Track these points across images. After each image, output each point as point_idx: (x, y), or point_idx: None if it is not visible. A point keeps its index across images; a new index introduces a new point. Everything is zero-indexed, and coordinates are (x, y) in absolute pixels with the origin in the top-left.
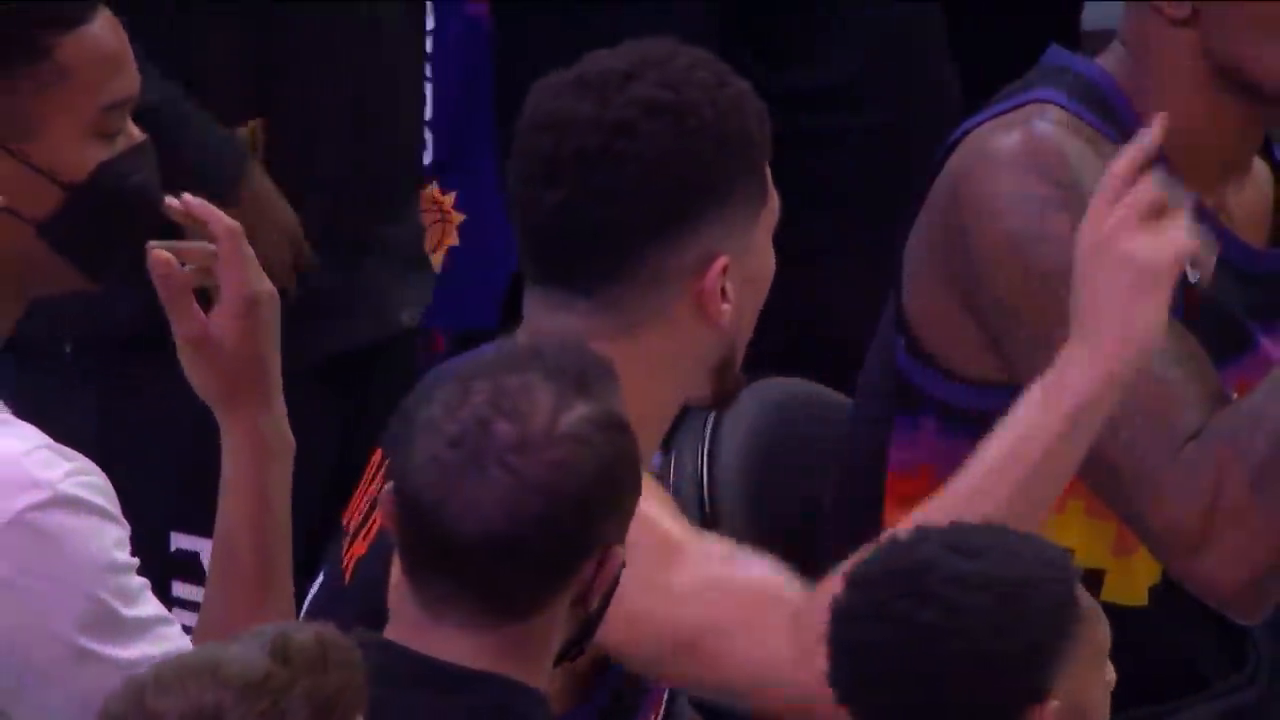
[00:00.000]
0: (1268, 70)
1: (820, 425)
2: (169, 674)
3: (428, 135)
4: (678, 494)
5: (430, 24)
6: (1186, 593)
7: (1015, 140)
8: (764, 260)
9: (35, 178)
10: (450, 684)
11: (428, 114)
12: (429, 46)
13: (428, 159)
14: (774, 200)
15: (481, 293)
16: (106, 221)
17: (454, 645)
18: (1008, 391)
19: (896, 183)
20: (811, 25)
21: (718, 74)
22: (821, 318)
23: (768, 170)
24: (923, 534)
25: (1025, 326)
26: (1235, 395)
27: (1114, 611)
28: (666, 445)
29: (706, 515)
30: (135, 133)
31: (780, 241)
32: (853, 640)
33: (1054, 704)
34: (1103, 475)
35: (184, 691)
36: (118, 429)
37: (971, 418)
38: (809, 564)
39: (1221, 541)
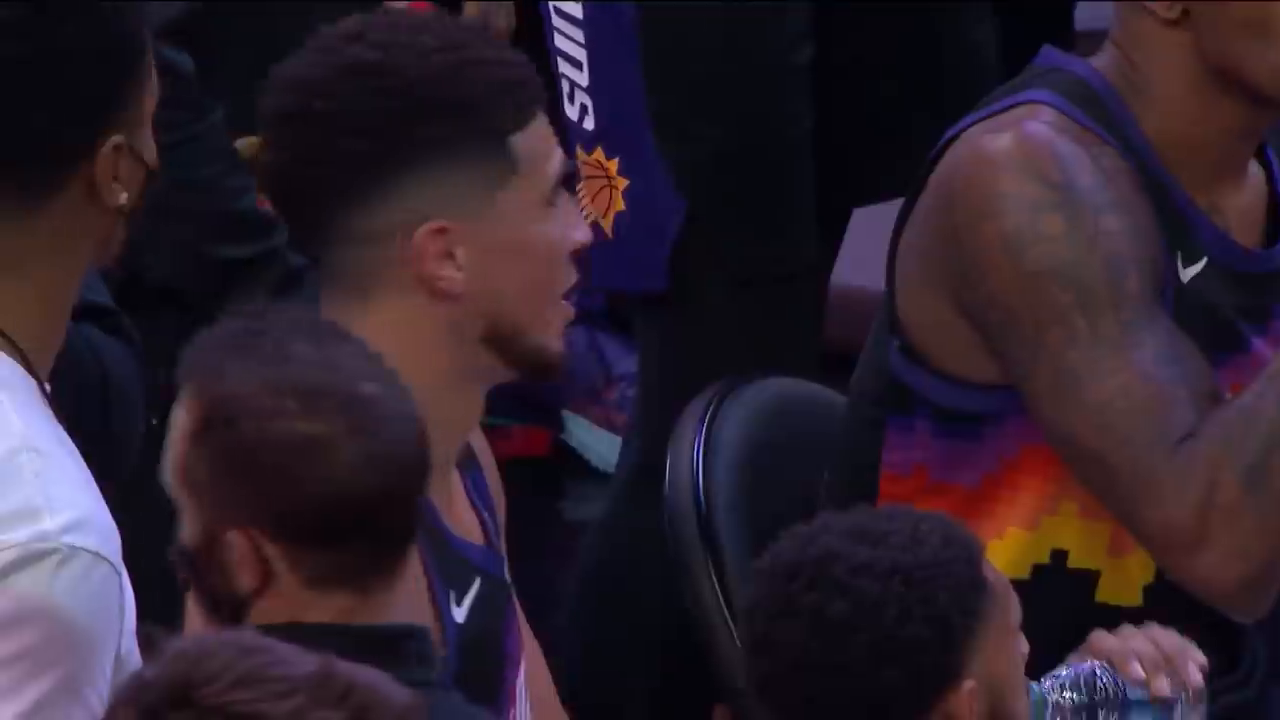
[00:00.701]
0: (1260, 70)
1: (817, 424)
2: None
3: (588, 101)
4: (674, 491)
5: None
6: (1181, 592)
7: (1007, 141)
8: (525, 231)
9: (140, 169)
10: None
11: (585, 80)
12: (580, 13)
13: (589, 125)
14: (548, 167)
15: (649, 257)
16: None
17: None
18: (1001, 393)
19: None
20: None
21: (449, 40)
22: None
23: (524, 140)
24: (824, 523)
25: (1019, 327)
26: (1228, 395)
27: (1109, 612)
28: (664, 442)
29: (702, 513)
30: None
31: None
32: (763, 635)
33: (969, 684)
34: (1098, 474)
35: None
36: None
37: (965, 418)
38: None
39: (1217, 540)
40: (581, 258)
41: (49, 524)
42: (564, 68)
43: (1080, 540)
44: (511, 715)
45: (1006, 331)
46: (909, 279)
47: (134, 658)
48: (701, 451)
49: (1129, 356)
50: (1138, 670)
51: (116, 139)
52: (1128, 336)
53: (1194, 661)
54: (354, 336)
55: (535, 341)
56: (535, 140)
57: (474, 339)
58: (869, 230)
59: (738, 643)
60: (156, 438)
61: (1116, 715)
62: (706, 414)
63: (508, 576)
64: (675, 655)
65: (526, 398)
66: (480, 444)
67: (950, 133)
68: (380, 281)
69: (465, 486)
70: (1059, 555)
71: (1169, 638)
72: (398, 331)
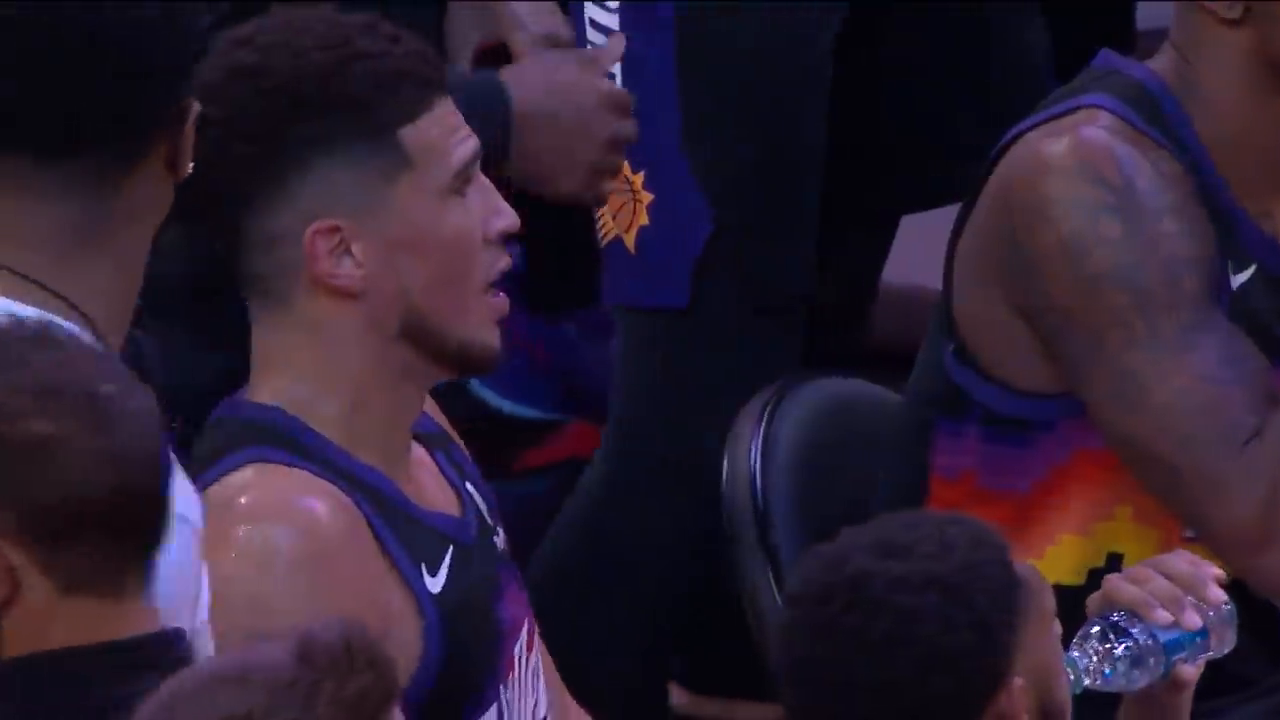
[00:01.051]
0: None
1: (874, 424)
2: (197, 685)
3: None
4: (731, 489)
5: (614, 3)
6: (1234, 592)
7: (1065, 146)
8: (424, 224)
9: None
10: None
11: None
12: (615, 24)
13: None
14: (449, 158)
15: (671, 271)
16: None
17: None
18: (1053, 400)
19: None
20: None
21: (331, 38)
22: None
23: (416, 132)
24: (848, 541)
25: (1078, 330)
26: None
27: None
28: (720, 440)
29: (759, 511)
30: None
31: None
32: (803, 659)
33: (1018, 682)
34: (1161, 476)
35: (213, 701)
36: None
37: (1016, 424)
38: None
39: None
40: (505, 243)
41: None
42: None
43: (1136, 544)
44: (510, 678)
45: (1065, 335)
46: (966, 282)
47: (202, 638)
48: (759, 448)
49: (1188, 358)
50: (1164, 615)
51: (195, 106)
52: (1187, 338)
53: (1211, 578)
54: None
55: (457, 335)
56: (431, 131)
57: (391, 336)
58: (919, 231)
59: None
60: None
61: (1157, 659)
62: (764, 413)
63: (498, 545)
64: (657, 652)
65: (581, 395)
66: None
67: (1007, 136)
68: (288, 284)
69: (438, 463)
70: (1115, 559)
71: (1179, 564)
72: (313, 333)
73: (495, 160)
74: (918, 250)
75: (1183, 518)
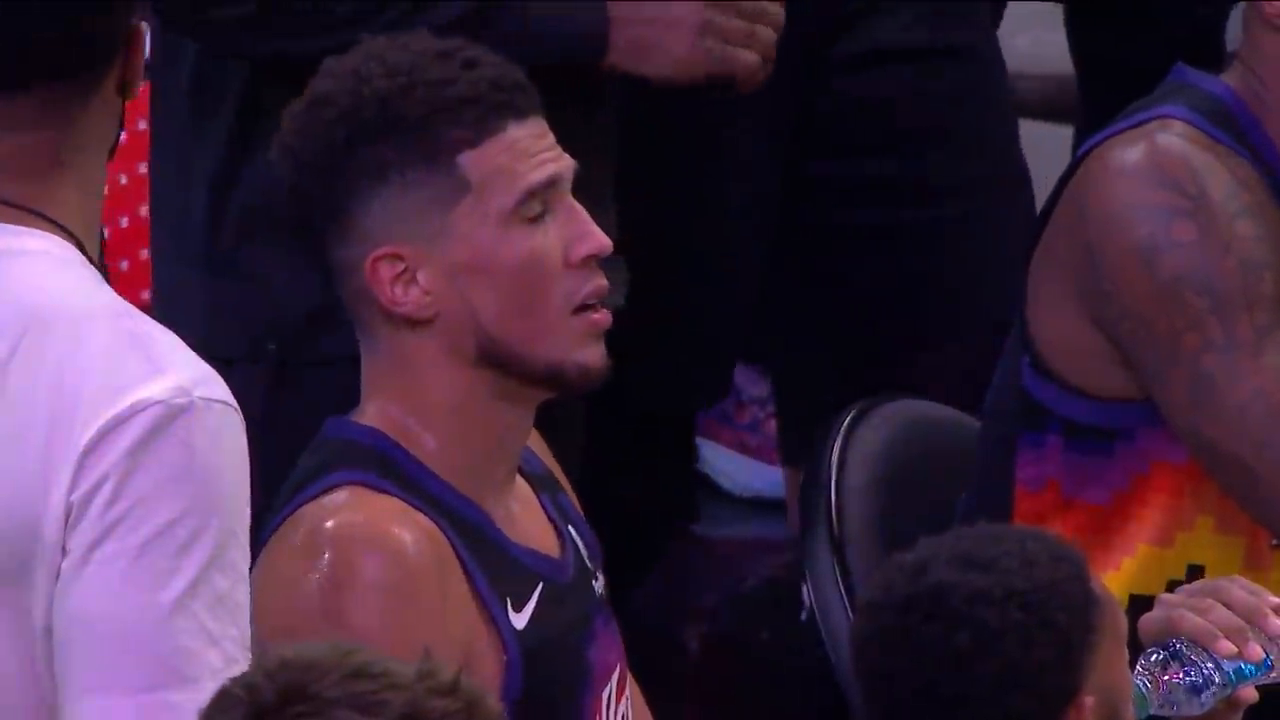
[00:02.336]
0: None
1: (951, 445)
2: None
3: None
4: (808, 504)
5: None
6: None
7: (1140, 153)
8: (487, 249)
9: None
10: None
11: None
12: None
13: None
14: (517, 182)
15: None
16: None
17: None
18: (1132, 407)
19: None
20: None
21: (396, 65)
22: None
23: (478, 157)
24: (928, 552)
25: (1155, 335)
26: None
27: None
28: (798, 457)
29: (834, 528)
30: None
31: None
32: (880, 667)
33: (1089, 700)
34: (1239, 479)
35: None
36: None
37: (1097, 434)
38: None
39: None
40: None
41: (180, 379)
42: None
43: (1217, 555)
44: None
45: (1141, 341)
46: (1042, 294)
47: None
48: (836, 464)
49: (1265, 361)
50: (1228, 646)
51: (143, 24)
52: (1263, 340)
53: (1271, 607)
54: None
55: (544, 358)
56: (497, 157)
57: (471, 361)
58: None
59: None
60: None
61: (1222, 687)
62: (841, 433)
63: (597, 590)
64: None
65: None
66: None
67: (1083, 149)
68: (367, 312)
69: (542, 503)
70: (1195, 570)
71: (1238, 593)
72: (397, 360)
73: (597, 50)
74: None
75: (1260, 520)
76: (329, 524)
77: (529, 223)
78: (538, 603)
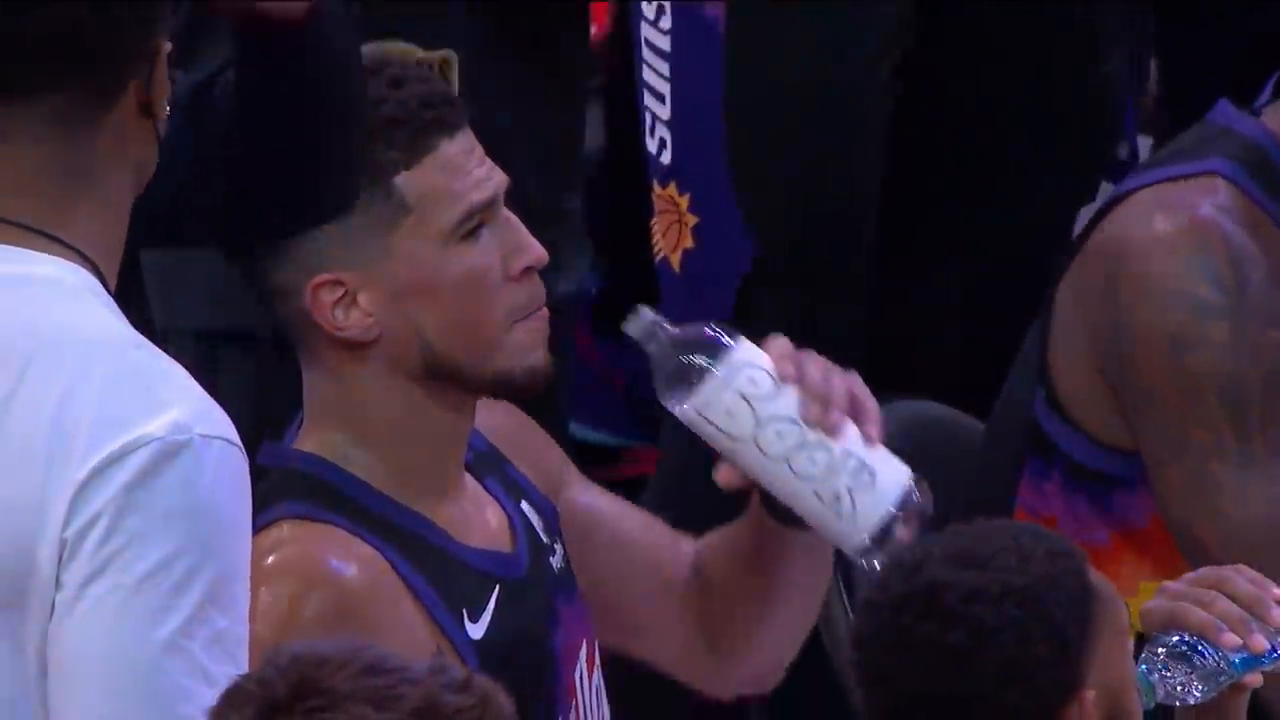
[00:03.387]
0: None
1: (951, 448)
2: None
3: (667, 135)
4: None
5: (667, 24)
6: None
7: (1180, 226)
8: (430, 269)
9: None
10: None
11: (666, 114)
12: (667, 46)
13: (666, 160)
14: (455, 202)
15: (713, 296)
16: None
17: None
18: (1135, 460)
19: None
20: None
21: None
22: None
23: (415, 178)
24: (924, 551)
25: (1166, 419)
26: None
27: None
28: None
29: None
30: None
31: None
32: (879, 667)
33: (1090, 694)
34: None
35: None
36: None
37: (1095, 477)
38: None
39: None
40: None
41: (181, 414)
42: (648, 100)
43: None
44: (573, 704)
45: (1151, 417)
46: (1062, 330)
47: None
48: None
49: (1276, 491)
50: (1233, 639)
51: (167, 46)
52: (1275, 461)
53: (1274, 599)
54: None
55: (491, 367)
56: (433, 177)
57: (416, 376)
58: None
59: None
60: None
61: (1227, 677)
62: None
63: (554, 565)
64: None
65: (654, 419)
66: (504, 429)
67: (1121, 189)
68: (308, 335)
69: (489, 490)
70: None
71: (1242, 584)
72: (340, 382)
73: None
74: None
75: None
76: (268, 561)
77: (467, 239)
78: (495, 606)
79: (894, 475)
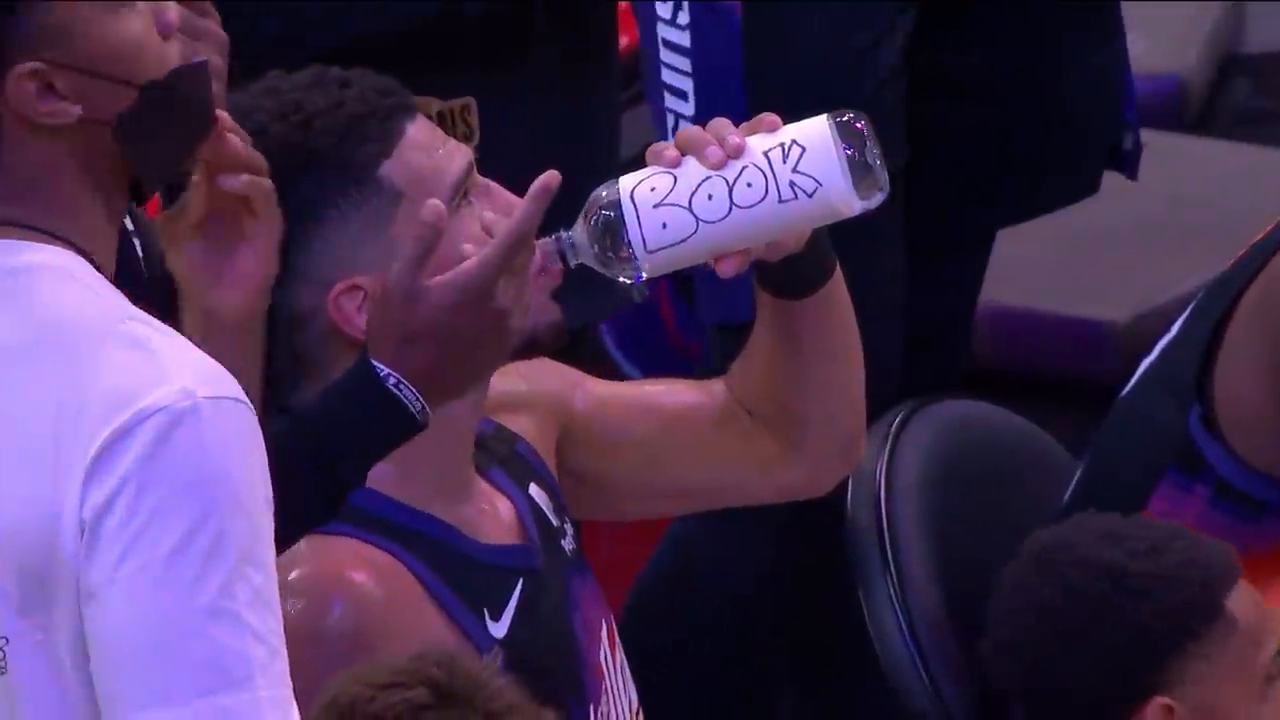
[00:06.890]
0: None
1: (1001, 445)
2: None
3: None
4: (855, 506)
5: (685, 20)
6: None
7: None
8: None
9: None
10: None
11: (690, 110)
12: (686, 42)
13: None
14: (442, 177)
15: (735, 288)
16: (170, 123)
17: None
18: None
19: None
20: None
21: (282, 107)
22: None
23: (398, 164)
24: (1087, 517)
25: None
26: None
27: None
28: None
29: (883, 529)
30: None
31: None
32: (994, 607)
33: (1161, 701)
34: None
35: None
36: None
37: (1247, 500)
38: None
39: None
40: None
41: (184, 381)
42: (670, 102)
43: None
44: (602, 687)
45: None
46: (1235, 355)
47: None
48: (885, 467)
49: None
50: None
51: (33, 65)
52: None
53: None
54: None
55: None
56: (411, 158)
57: None
58: (1011, 247)
59: (917, 665)
60: None
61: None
62: (889, 435)
63: (566, 549)
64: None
65: None
66: (509, 406)
67: None
68: (330, 351)
69: (495, 481)
70: None
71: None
72: None
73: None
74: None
75: None
76: (290, 577)
77: (464, 208)
78: (518, 602)
79: (814, 127)
